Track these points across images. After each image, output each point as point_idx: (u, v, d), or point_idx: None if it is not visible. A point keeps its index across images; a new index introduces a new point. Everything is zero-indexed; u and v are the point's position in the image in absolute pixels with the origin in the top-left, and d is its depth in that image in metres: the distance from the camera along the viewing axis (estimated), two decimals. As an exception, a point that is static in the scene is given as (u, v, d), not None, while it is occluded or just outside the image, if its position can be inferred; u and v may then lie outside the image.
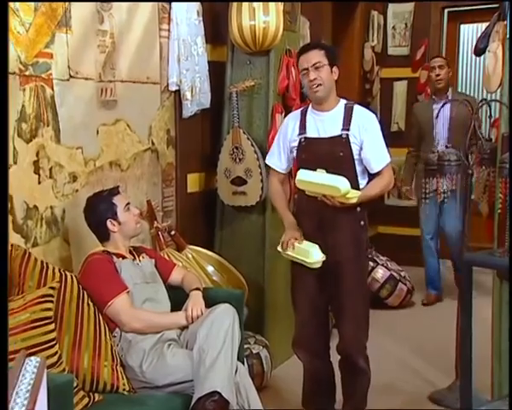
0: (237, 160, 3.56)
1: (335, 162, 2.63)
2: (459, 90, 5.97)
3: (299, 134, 2.76)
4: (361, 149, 2.69)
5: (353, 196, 2.57)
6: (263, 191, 3.52)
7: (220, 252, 3.61)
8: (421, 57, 5.74)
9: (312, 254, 2.63)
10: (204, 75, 3.54)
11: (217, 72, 3.67)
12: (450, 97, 4.39)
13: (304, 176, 2.62)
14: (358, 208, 2.69)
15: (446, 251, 4.69)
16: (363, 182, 2.72)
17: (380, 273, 4.53)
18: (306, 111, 2.79)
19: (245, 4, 3.39)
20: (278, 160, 2.86)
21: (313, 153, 2.70)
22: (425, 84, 5.62)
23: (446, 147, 3.25)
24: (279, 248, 2.75)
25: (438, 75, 4.39)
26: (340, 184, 2.52)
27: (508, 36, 2.90)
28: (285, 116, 3.38)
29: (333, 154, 2.66)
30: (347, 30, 5.46)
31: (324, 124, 2.72)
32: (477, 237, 3.49)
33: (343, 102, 2.76)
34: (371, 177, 2.74)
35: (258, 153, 3.52)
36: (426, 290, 4.76)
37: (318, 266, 2.63)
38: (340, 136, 2.68)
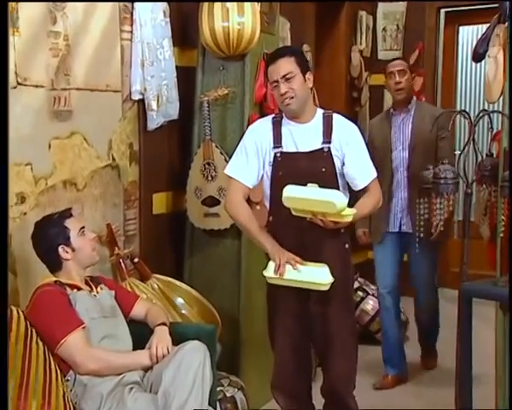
0: (209, 177, 3.56)
1: (317, 179, 2.64)
2: (458, 100, 6.05)
3: (275, 147, 2.76)
4: (343, 163, 2.72)
5: (349, 214, 2.57)
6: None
7: (190, 282, 3.60)
8: (415, 63, 5.79)
9: (325, 274, 2.58)
10: (171, 82, 3.55)
11: (186, 78, 3.68)
12: (412, 111, 3.84)
13: (292, 192, 2.57)
14: (342, 230, 2.71)
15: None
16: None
17: (370, 305, 4.52)
18: (281, 122, 2.78)
19: (217, 4, 3.42)
20: (247, 171, 2.77)
21: (292, 169, 2.70)
22: (420, 92, 5.68)
23: (442, 163, 3.28)
24: (269, 274, 2.62)
25: (398, 83, 3.78)
26: (336, 198, 2.52)
27: (508, 40, 2.95)
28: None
29: (314, 170, 2.68)
30: (332, 32, 5.52)
31: (302, 137, 2.73)
32: (477, 263, 3.52)
33: (320, 111, 2.79)
34: (354, 194, 2.78)
35: (233, 169, 3.53)
36: (382, 370, 4.02)
37: (328, 288, 2.61)
38: (321, 149, 2.70)
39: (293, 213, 2.62)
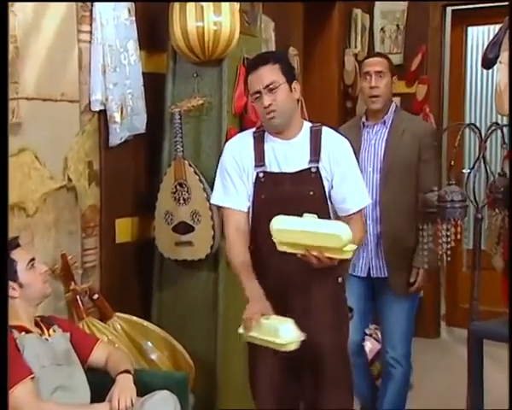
0: (181, 200, 3.56)
1: (304, 204, 2.65)
2: (467, 112, 6.08)
3: (257, 166, 2.76)
4: (331, 186, 2.73)
5: (351, 250, 2.52)
6: (215, 241, 3.52)
7: (159, 321, 3.59)
8: (418, 68, 5.86)
9: (283, 332, 2.48)
10: (137, 91, 3.55)
11: (154, 87, 3.68)
12: (389, 122, 3.57)
13: (285, 224, 2.54)
14: (340, 278, 2.75)
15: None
16: None
17: (367, 347, 4.51)
18: (263, 137, 2.80)
19: (190, 3, 3.44)
20: (235, 194, 2.78)
21: (275, 193, 2.71)
22: (423, 102, 5.74)
23: (449, 184, 3.30)
24: (240, 330, 2.58)
25: (373, 88, 3.51)
26: (342, 231, 2.47)
27: (508, 41, 2.99)
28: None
29: (300, 193, 2.69)
30: (323, 33, 5.56)
31: (287, 155, 2.74)
32: (489, 298, 3.54)
33: (307, 125, 2.80)
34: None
35: (209, 191, 3.51)
36: None
37: (293, 348, 2.50)
38: (309, 170, 2.71)
39: (280, 248, 2.56)
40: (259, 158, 2.76)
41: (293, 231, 2.52)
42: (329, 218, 2.71)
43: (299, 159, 2.72)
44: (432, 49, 5.85)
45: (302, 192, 2.69)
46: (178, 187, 3.57)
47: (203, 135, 3.67)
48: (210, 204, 3.48)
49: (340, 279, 2.77)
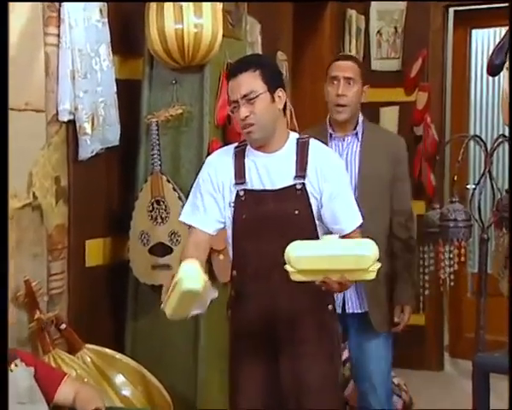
0: (159, 219, 3.56)
1: (289, 224, 2.65)
2: (471, 123, 6.10)
3: (237, 184, 2.76)
4: (321, 204, 2.72)
5: (374, 270, 2.51)
6: (195, 264, 3.51)
7: (133, 353, 3.57)
8: (418, 74, 5.88)
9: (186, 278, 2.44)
10: (110, 99, 3.54)
11: (129, 95, 3.69)
12: (360, 135, 3.49)
13: (304, 250, 2.50)
14: (330, 306, 2.74)
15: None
16: None
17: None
18: (244, 151, 2.80)
19: (169, 3, 3.45)
20: (203, 214, 2.79)
21: (257, 212, 2.71)
22: (424, 111, 5.76)
23: (452, 201, 3.31)
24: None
25: (340, 96, 3.41)
26: (370, 250, 2.48)
27: (508, 43, 3.01)
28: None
29: (285, 212, 2.69)
30: (314, 36, 5.59)
31: (270, 170, 2.74)
32: (497, 327, 3.54)
33: (294, 136, 2.80)
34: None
35: (189, 209, 3.53)
36: None
37: (196, 289, 2.45)
38: (294, 186, 2.71)
39: (294, 277, 2.50)
40: (240, 175, 2.75)
41: (314, 257, 2.50)
42: (316, 238, 2.69)
43: (283, 174, 2.72)
44: (433, 53, 5.87)
45: (286, 211, 2.68)
46: (155, 205, 3.56)
47: (183, 148, 3.68)
48: (190, 223, 3.50)
49: (330, 307, 2.77)
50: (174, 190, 3.56)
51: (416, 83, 5.88)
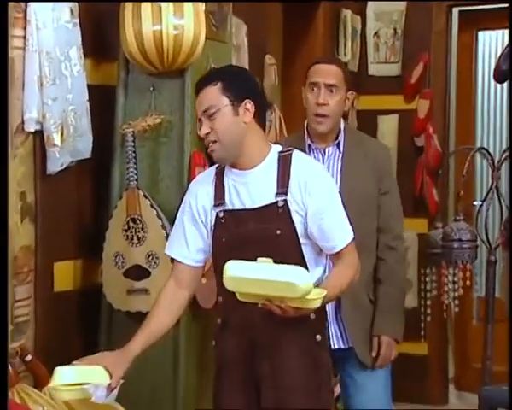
0: (135, 239, 3.56)
1: (271, 246, 2.66)
2: (478, 133, 6.12)
3: (216, 206, 2.80)
4: (306, 222, 2.73)
5: (317, 298, 2.57)
6: (175, 289, 3.50)
7: (107, 387, 3.55)
8: (419, 80, 5.91)
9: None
10: (81, 108, 3.53)
11: (102, 102, 3.68)
12: (342, 145, 3.47)
13: (237, 271, 2.58)
14: (312, 315, 2.71)
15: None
16: (316, 273, 2.76)
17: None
18: (223, 171, 2.85)
19: (146, 2, 3.45)
20: (183, 245, 2.87)
21: (237, 234, 2.74)
22: (426, 121, 5.78)
23: (456, 219, 3.32)
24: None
25: (321, 105, 3.37)
26: (298, 278, 2.51)
27: (508, 43, 3.02)
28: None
29: (265, 233, 2.70)
30: (306, 38, 5.59)
31: (250, 188, 2.76)
32: (505, 356, 3.53)
33: (275, 149, 2.81)
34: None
35: (169, 228, 3.51)
36: None
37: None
38: (275, 204, 2.72)
39: (239, 297, 2.62)
40: (219, 196, 2.80)
41: (243, 279, 2.57)
42: (303, 262, 2.71)
43: (263, 191, 2.74)
44: (435, 57, 5.92)
45: (268, 232, 2.70)
46: (131, 223, 3.55)
47: (161, 160, 3.67)
48: (170, 244, 3.50)
49: (318, 337, 2.77)
50: (152, 207, 3.55)
51: (416, 89, 5.92)
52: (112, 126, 3.69)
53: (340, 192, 3.20)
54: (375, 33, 6.06)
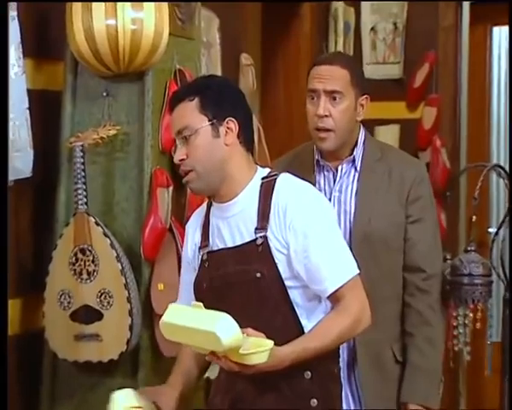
0: (84, 275, 3.55)
1: (250, 292, 2.68)
2: (493, 147, 6.14)
3: (201, 248, 2.84)
4: (289, 261, 2.72)
5: (257, 351, 2.54)
6: (132, 333, 3.51)
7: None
8: (424, 83, 5.95)
9: None
10: (21, 117, 3.51)
11: (46, 110, 3.69)
12: (359, 159, 3.34)
13: (172, 316, 2.63)
14: (308, 373, 2.71)
15: None
16: (310, 324, 2.74)
17: None
18: (211, 204, 2.88)
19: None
20: (184, 293, 2.95)
21: (218, 278, 2.76)
22: (432, 132, 5.81)
23: (467, 250, 3.32)
24: None
25: (321, 117, 3.24)
26: (220, 328, 2.49)
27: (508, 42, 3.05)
28: (176, 192, 3.39)
29: (245, 276, 2.70)
30: (289, 34, 5.62)
31: (230, 223, 2.77)
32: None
33: (260, 174, 2.80)
34: None
35: (125, 261, 3.53)
36: None
37: None
38: (254, 242, 2.72)
39: (193, 348, 2.70)
40: (204, 236, 2.84)
41: (177, 326, 2.62)
42: (291, 310, 2.71)
43: (243, 227, 2.75)
44: (443, 56, 5.95)
45: (247, 275, 2.70)
46: (80, 255, 3.55)
47: (117, 180, 3.68)
48: (126, 280, 3.48)
49: (313, 402, 2.74)
50: (105, 235, 3.55)
51: (421, 95, 5.95)
52: (57, 139, 3.69)
53: (354, 222, 3.24)
54: (372, 28, 6.09)
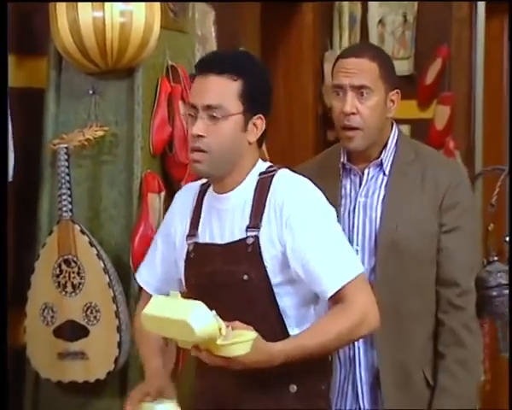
0: (69, 287, 3.56)
1: (237, 295, 2.71)
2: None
3: (188, 236, 2.84)
4: (287, 262, 2.73)
5: (233, 343, 2.57)
6: (121, 351, 3.52)
7: None
8: (436, 80, 5.97)
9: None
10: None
11: (28, 110, 3.71)
12: (388, 162, 3.28)
13: (151, 308, 2.66)
14: (294, 386, 2.74)
15: None
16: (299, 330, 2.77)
17: None
18: (206, 190, 2.89)
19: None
20: (151, 272, 3.00)
21: (204, 275, 2.78)
22: (445, 133, 5.81)
23: (489, 261, 3.31)
24: None
25: (347, 115, 3.18)
26: (194, 319, 2.52)
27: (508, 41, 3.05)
28: (169, 198, 3.38)
29: (232, 277, 2.73)
30: (291, 28, 5.64)
31: (222, 217, 2.80)
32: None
33: (258, 169, 2.82)
34: None
35: (112, 272, 3.54)
36: None
37: None
38: (244, 241, 2.74)
39: (181, 344, 2.73)
40: (193, 224, 2.85)
41: (155, 317, 2.64)
42: (278, 315, 2.74)
43: (235, 224, 2.77)
44: (457, 51, 5.96)
45: (234, 276, 2.73)
46: (64, 266, 3.56)
47: (104, 185, 3.69)
48: (114, 293, 3.48)
49: (293, 388, 2.77)
50: (91, 245, 3.55)
51: (433, 93, 5.97)
52: (39, 141, 3.70)
53: (379, 229, 3.20)
54: (380, 21, 6.11)
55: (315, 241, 2.74)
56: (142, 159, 3.64)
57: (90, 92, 3.67)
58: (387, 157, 3.27)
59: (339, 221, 3.01)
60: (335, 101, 3.23)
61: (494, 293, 3.25)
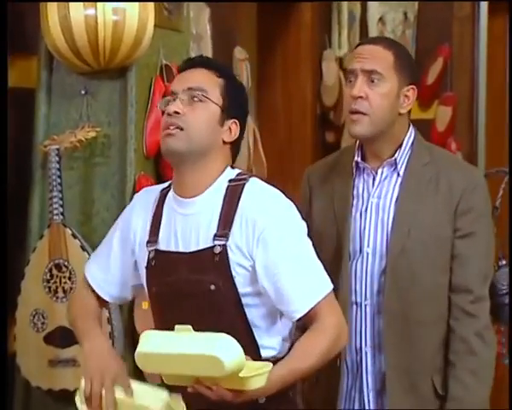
0: (60, 293, 3.57)
1: (203, 306, 2.69)
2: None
3: (149, 243, 2.83)
4: (256, 276, 2.72)
5: (256, 374, 2.54)
6: (115, 357, 3.51)
7: None
8: (438, 80, 5.97)
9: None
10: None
11: (18, 110, 3.71)
12: (403, 163, 3.21)
13: (150, 345, 2.59)
14: (263, 397, 2.69)
15: None
16: (271, 343, 2.77)
17: None
18: (166, 196, 2.88)
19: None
20: (106, 277, 2.96)
21: (167, 285, 2.77)
22: (446, 134, 5.82)
23: (500, 266, 3.31)
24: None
25: (355, 99, 3.14)
26: (223, 352, 2.47)
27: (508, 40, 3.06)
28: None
29: (198, 287, 2.71)
30: (288, 26, 5.63)
31: (187, 223, 2.77)
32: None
33: (227, 175, 2.80)
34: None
35: (105, 278, 3.52)
36: None
37: None
38: (211, 249, 2.72)
39: (167, 381, 2.67)
40: (154, 230, 2.83)
41: (155, 355, 2.58)
42: (247, 329, 2.72)
43: (201, 231, 2.75)
44: (459, 50, 5.96)
45: (200, 286, 2.71)
46: (55, 271, 3.57)
47: (97, 187, 3.70)
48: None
49: (261, 399, 2.72)
50: (83, 249, 3.56)
51: (434, 93, 5.97)
52: (30, 142, 3.71)
53: (391, 233, 3.16)
54: (380, 19, 6.10)
55: (288, 261, 2.73)
56: (136, 161, 3.64)
57: (82, 92, 3.68)
58: (402, 157, 3.21)
59: (350, 222, 3.15)
60: (347, 87, 3.24)
61: (506, 299, 3.26)
